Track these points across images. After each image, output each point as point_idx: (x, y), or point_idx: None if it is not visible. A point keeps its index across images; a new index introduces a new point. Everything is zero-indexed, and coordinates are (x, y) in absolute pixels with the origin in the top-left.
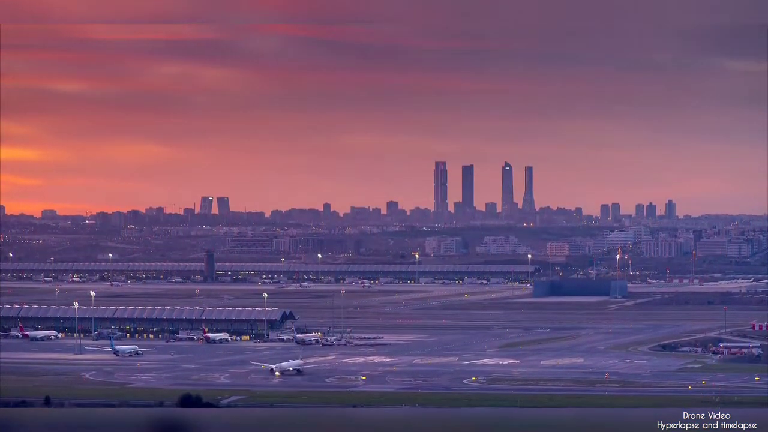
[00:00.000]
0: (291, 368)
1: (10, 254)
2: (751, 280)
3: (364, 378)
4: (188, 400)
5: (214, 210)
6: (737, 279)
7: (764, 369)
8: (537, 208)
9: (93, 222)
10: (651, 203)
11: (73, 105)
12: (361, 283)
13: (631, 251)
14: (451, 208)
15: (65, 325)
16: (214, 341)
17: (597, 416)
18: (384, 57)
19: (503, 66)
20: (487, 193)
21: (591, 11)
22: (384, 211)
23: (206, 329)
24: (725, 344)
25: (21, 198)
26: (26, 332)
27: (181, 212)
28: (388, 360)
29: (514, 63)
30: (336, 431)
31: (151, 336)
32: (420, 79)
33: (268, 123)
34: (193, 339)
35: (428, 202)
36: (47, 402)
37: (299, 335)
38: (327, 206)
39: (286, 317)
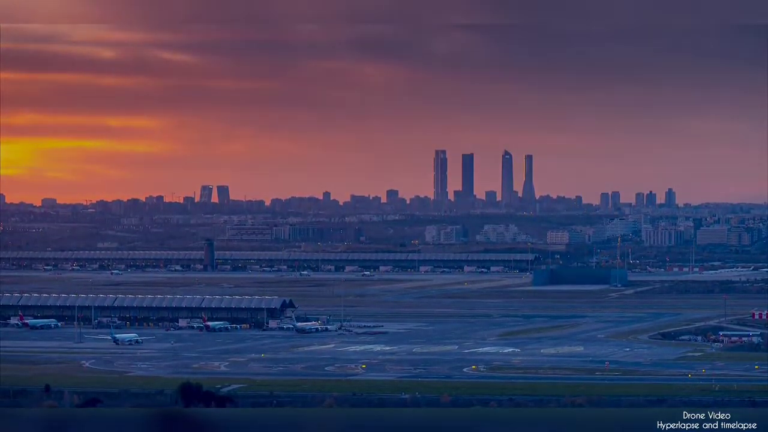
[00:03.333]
0: None
1: (10, 242)
2: (751, 268)
3: (363, 366)
4: (188, 389)
5: (214, 198)
6: (737, 267)
7: (764, 357)
8: (537, 196)
9: (93, 210)
10: (651, 191)
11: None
12: (361, 271)
13: (631, 240)
14: (451, 196)
15: (65, 313)
16: (214, 330)
17: (597, 416)
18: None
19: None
20: (487, 181)
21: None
22: (384, 200)
23: (206, 318)
24: (725, 333)
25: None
26: (26, 321)
27: (181, 201)
28: (387, 348)
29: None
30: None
31: (151, 324)
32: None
33: (271, 117)
34: (193, 327)
35: (428, 191)
36: (47, 391)
37: (299, 324)
38: (327, 195)
39: (286, 306)
